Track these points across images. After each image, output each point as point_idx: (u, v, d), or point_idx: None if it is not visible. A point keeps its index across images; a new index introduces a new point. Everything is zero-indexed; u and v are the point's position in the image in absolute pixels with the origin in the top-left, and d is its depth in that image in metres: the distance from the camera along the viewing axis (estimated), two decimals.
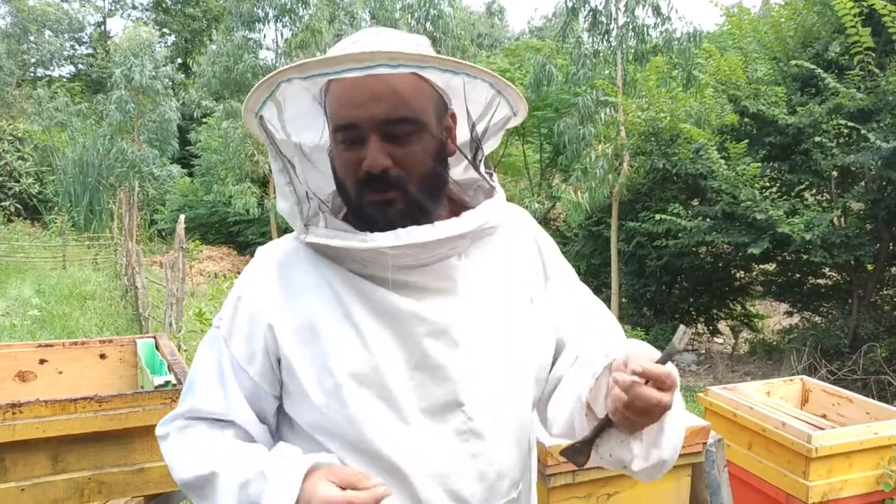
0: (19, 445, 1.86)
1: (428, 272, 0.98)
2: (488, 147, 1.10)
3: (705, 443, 2.30)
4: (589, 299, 1.21)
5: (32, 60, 28.85)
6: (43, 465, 1.90)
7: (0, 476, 1.86)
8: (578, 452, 0.96)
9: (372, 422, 0.95)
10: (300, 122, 1.03)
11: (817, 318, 7.95)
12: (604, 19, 8.60)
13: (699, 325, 9.45)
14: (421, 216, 0.97)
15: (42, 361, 2.46)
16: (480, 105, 1.05)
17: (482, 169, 1.08)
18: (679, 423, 1.02)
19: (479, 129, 1.06)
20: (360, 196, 0.97)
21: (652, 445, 0.97)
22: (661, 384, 0.90)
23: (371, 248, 0.94)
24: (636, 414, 0.91)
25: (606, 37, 8.68)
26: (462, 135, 1.07)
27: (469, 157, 1.07)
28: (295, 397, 1.01)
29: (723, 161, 6.72)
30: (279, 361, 1.02)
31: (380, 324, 0.97)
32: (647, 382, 0.90)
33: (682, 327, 0.95)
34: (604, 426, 0.96)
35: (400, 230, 0.94)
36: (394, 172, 0.95)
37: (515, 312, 1.06)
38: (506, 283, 1.06)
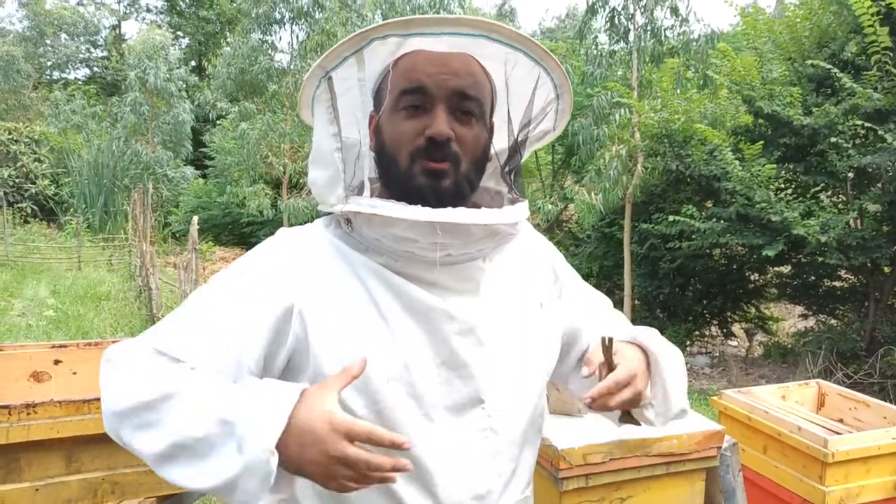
0: (34, 446, 1.87)
1: (455, 272, 0.99)
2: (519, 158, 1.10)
3: (720, 447, 2.28)
4: (598, 298, 1.30)
5: (49, 63, 29.17)
6: (57, 465, 1.91)
7: (15, 476, 1.87)
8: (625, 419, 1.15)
9: (398, 417, 0.95)
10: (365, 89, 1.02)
11: (833, 321, 7.87)
12: (623, 20, 8.57)
13: (713, 328, 9.39)
14: (465, 199, 1.00)
15: (56, 362, 2.48)
16: (535, 103, 1.06)
17: (514, 178, 1.09)
18: (675, 375, 1.12)
19: (522, 137, 1.07)
20: (412, 164, 0.96)
21: (664, 409, 1.11)
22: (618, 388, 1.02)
23: (423, 221, 0.93)
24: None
25: (624, 37, 8.66)
26: (499, 142, 1.09)
27: (503, 164, 1.09)
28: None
29: (737, 162, 6.67)
30: (296, 348, 0.97)
31: (410, 319, 0.97)
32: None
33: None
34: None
35: (449, 209, 0.94)
36: (454, 147, 0.96)
37: (529, 316, 1.08)
38: (521, 288, 1.08)
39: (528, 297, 1.09)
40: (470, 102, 0.97)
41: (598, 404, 1.01)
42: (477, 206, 1.03)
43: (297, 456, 0.82)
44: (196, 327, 0.96)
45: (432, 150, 0.95)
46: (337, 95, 0.99)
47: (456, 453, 0.98)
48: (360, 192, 0.99)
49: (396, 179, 0.98)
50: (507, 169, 1.08)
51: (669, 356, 1.11)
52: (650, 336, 1.13)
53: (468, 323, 0.99)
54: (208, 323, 0.95)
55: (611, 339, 1.02)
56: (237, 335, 0.94)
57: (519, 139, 1.06)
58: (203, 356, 0.93)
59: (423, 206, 0.93)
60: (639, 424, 1.13)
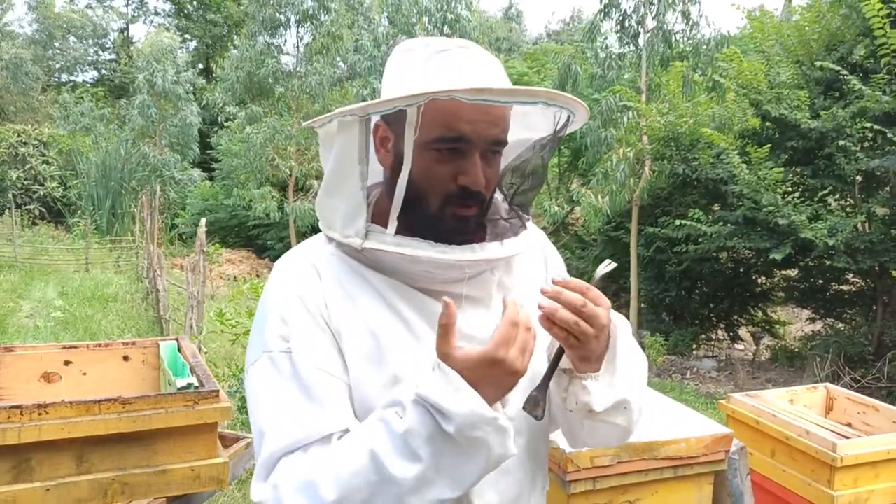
0: (45, 446, 1.88)
1: (469, 284, 1.01)
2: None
3: (728, 451, 2.28)
4: None
5: (57, 66, 29.35)
6: (67, 465, 1.92)
7: (26, 476, 1.88)
8: (535, 404, 0.95)
9: None
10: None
11: (841, 325, 7.84)
12: (633, 23, 8.57)
13: (719, 331, 9.36)
14: (484, 232, 1.05)
15: (67, 363, 2.49)
16: (551, 136, 1.07)
17: (525, 199, 1.11)
18: (633, 362, 1.05)
19: (536, 160, 1.08)
20: (443, 208, 0.98)
21: (608, 386, 1.00)
22: (582, 293, 0.95)
23: (450, 261, 0.96)
24: (575, 329, 0.93)
25: (634, 41, 8.66)
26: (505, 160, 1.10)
27: (517, 185, 1.11)
28: (358, 410, 0.98)
29: (744, 166, 6.66)
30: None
31: (432, 329, 0.97)
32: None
33: (607, 260, 1.03)
34: (558, 358, 0.98)
35: (475, 245, 0.98)
36: (485, 191, 0.99)
37: (535, 319, 1.08)
38: (526, 290, 1.10)
39: (532, 298, 1.09)
40: (497, 147, 1.00)
41: (545, 311, 0.93)
42: (493, 227, 1.07)
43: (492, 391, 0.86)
44: (301, 405, 0.93)
45: (466, 198, 0.97)
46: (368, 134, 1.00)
47: None
48: (374, 219, 1.01)
49: (423, 217, 0.99)
50: (526, 191, 1.10)
51: (629, 338, 1.09)
52: (617, 317, 1.11)
53: (487, 333, 0.99)
54: (318, 393, 0.94)
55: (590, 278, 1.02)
56: (337, 383, 0.96)
57: (535, 164, 1.08)
58: (338, 415, 0.93)
59: (447, 243, 0.96)
60: (538, 417, 0.95)
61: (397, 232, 0.98)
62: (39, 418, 1.87)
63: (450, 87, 0.88)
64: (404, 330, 0.98)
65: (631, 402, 1.02)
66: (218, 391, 2.07)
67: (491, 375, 0.84)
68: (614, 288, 10.31)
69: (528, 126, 1.08)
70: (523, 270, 1.13)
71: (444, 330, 0.85)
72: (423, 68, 0.97)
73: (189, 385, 2.15)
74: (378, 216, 1.03)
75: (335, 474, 0.86)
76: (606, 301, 0.97)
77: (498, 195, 1.08)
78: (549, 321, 0.93)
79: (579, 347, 0.96)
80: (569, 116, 1.02)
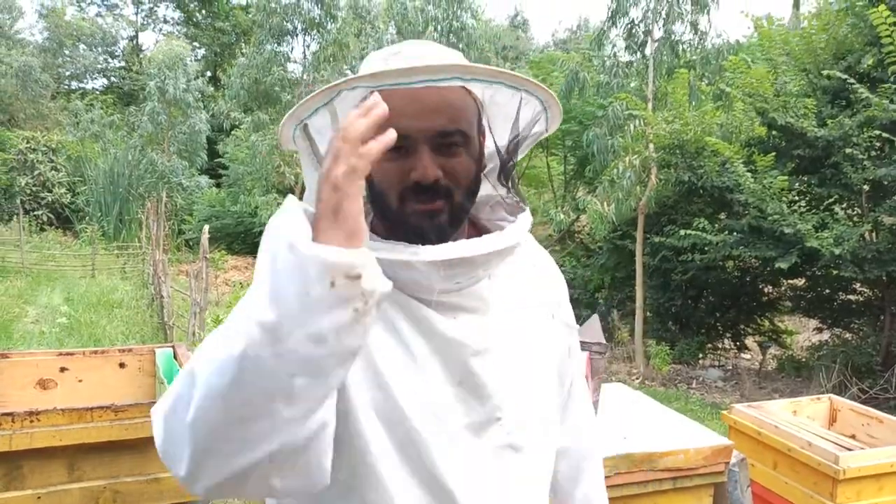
0: (36, 453, 1.87)
1: (463, 294, 0.98)
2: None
3: (728, 462, 2.24)
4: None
5: (67, 73, 29.58)
6: (59, 473, 1.91)
7: (18, 484, 1.88)
8: None
9: (422, 440, 0.94)
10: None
11: (848, 335, 7.77)
12: (641, 32, 8.57)
13: (726, 341, 9.29)
14: (462, 225, 0.99)
15: (63, 370, 2.49)
16: (521, 120, 1.04)
17: (514, 184, 1.08)
18: None
19: (514, 144, 1.05)
20: (402, 205, 0.95)
21: None
22: None
23: (422, 261, 0.91)
24: None
25: (641, 49, 8.65)
26: (489, 148, 1.06)
27: (502, 173, 1.07)
28: (342, 415, 0.93)
29: (749, 174, 6.62)
30: None
31: (427, 343, 0.96)
32: None
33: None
34: None
35: (449, 244, 0.92)
36: (443, 182, 0.94)
37: (539, 327, 1.07)
38: (528, 299, 1.07)
39: (536, 308, 1.08)
40: (453, 136, 0.95)
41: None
42: (476, 226, 1.03)
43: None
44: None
45: (421, 193, 0.93)
46: (316, 142, 0.98)
47: (478, 473, 0.97)
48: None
49: (390, 218, 0.97)
50: (502, 178, 1.07)
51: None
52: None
53: (482, 343, 0.98)
54: None
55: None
56: None
57: (510, 149, 1.04)
58: None
59: (423, 243, 0.92)
60: None
61: (372, 236, 0.94)
62: (31, 426, 1.86)
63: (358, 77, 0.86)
64: (393, 337, 0.95)
65: None
66: None
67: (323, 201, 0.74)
68: (620, 297, 10.27)
69: (503, 118, 1.03)
70: (527, 279, 1.08)
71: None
72: (363, 68, 0.94)
73: None
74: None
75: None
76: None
77: (474, 190, 1.01)
78: None
79: None
80: (544, 109, 1.00)
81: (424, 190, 0.93)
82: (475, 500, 0.96)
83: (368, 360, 0.93)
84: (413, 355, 0.95)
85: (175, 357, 2.53)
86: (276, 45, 15.02)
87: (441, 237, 0.94)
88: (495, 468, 0.98)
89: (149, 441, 1.98)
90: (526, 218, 1.03)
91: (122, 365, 2.56)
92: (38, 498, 1.88)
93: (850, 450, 2.50)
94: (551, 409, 1.08)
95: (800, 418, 2.88)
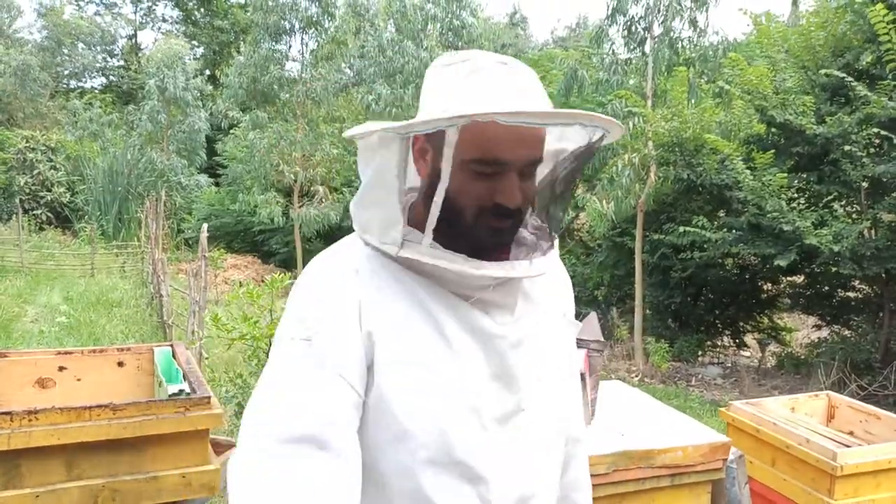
0: (35, 452, 1.87)
1: (497, 290, 1.05)
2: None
3: (726, 459, 2.25)
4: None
5: (66, 72, 29.55)
6: (58, 472, 1.91)
7: (16, 482, 1.88)
8: None
9: (459, 429, 1.01)
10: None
11: (847, 332, 7.77)
12: (640, 29, 8.56)
13: (725, 338, 9.29)
14: (515, 248, 1.10)
15: (61, 369, 2.48)
16: (588, 151, 1.10)
17: (566, 205, 1.17)
18: None
19: (574, 170, 1.12)
20: (477, 222, 1.01)
21: None
22: None
23: (483, 276, 1.00)
24: None
25: (641, 47, 8.65)
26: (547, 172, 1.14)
27: (560, 196, 1.15)
28: (379, 405, 1.00)
29: (748, 171, 6.62)
30: (368, 369, 1.00)
31: (467, 336, 1.02)
32: None
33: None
34: None
35: (510, 264, 1.03)
36: (520, 208, 1.03)
37: (557, 325, 1.17)
38: (547, 298, 1.16)
39: (553, 307, 1.17)
40: (535, 165, 1.03)
41: None
42: (524, 243, 1.11)
43: None
44: (303, 396, 0.95)
45: (499, 214, 1.01)
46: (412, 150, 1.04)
47: (506, 460, 1.04)
48: (409, 222, 1.04)
49: (459, 231, 1.02)
50: (558, 206, 1.14)
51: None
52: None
53: (516, 337, 1.06)
54: (327, 393, 0.96)
55: None
56: (344, 388, 0.97)
57: (567, 180, 1.12)
58: (338, 424, 0.95)
59: (482, 256, 1.00)
60: None
61: (433, 241, 1.01)
62: (30, 424, 1.86)
63: (489, 109, 0.90)
64: (437, 334, 1.01)
65: None
66: (209, 398, 2.06)
67: None
68: (619, 294, 10.27)
69: (563, 139, 1.10)
70: (545, 283, 1.16)
71: None
72: (463, 86, 0.98)
73: (180, 391, 2.13)
74: (414, 221, 1.05)
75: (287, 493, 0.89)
76: None
77: (531, 212, 1.11)
78: None
79: None
80: (603, 134, 1.04)
81: (504, 212, 1.00)
82: (504, 486, 1.03)
83: (414, 362, 1.00)
84: (455, 350, 1.01)
85: (174, 356, 2.53)
86: (273, 43, 14.99)
87: (501, 252, 1.05)
88: (519, 455, 1.06)
89: (147, 439, 1.99)
90: (556, 242, 1.13)
91: (120, 364, 2.56)
92: (37, 497, 1.88)
93: (848, 446, 2.50)
94: (564, 402, 1.17)
95: (798, 415, 2.88)
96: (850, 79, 6.19)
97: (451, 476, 1.00)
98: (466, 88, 0.98)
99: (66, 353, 2.53)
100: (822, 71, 6.63)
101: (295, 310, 1.03)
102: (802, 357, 8.14)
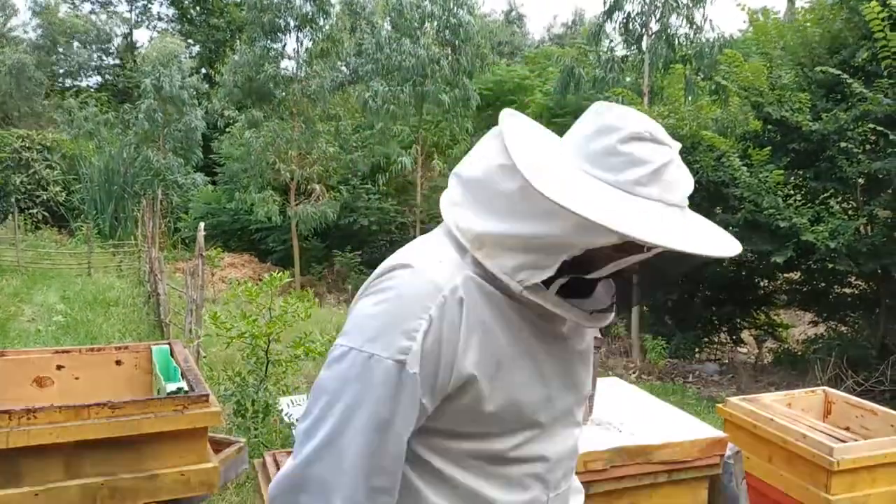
0: (34, 451, 1.87)
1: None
2: None
3: (722, 455, 2.26)
4: None
5: (61, 71, 29.46)
6: (57, 470, 1.92)
7: (15, 481, 1.88)
8: None
9: (544, 432, 1.11)
10: None
11: (843, 328, 7.79)
12: (637, 26, 8.57)
13: (722, 335, 9.31)
14: None
15: (59, 367, 2.49)
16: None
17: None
18: None
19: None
20: (602, 289, 1.14)
21: None
22: None
23: (592, 323, 1.10)
24: None
25: (638, 43, 8.65)
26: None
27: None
28: (465, 417, 1.03)
29: (745, 168, 6.63)
30: (456, 385, 1.00)
31: (550, 353, 1.10)
32: None
33: None
34: None
35: (609, 315, 1.12)
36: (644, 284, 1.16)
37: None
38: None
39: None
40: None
41: None
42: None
43: None
44: (387, 458, 0.97)
45: (626, 288, 1.12)
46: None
47: (563, 451, 1.15)
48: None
49: (581, 290, 1.09)
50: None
51: None
52: None
53: (582, 347, 1.17)
54: (399, 429, 0.97)
55: None
56: (425, 410, 1.00)
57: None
58: (397, 469, 1.00)
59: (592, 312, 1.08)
60: None
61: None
62: (28, 423, 1.86)
63: (682, 246, 0.93)
64: (524, 353, 1.05)
65: None
66: (208, 396, 2.06)
67: None
68: None
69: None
70: None
71: None
72: (647, 193, 0.97)
73: (179, 390, 2.14)
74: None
75: None
76: None
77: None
78: None
79: None
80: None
81: (629, 287, 1.12)
82: (559, 470, 1.14)
83: (504, 380, 1.03)
84: (541, 370, 1.08)
85: (171, 354, 2.53)
86: (268, 41, 14.96)
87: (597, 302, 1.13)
88: (570, 446, 1.17)
89: (145, 437, 1.99)
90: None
91: (118, 362, 2.56)
92: (36, 495, 1.88)
93: (844, 442, 2.51)
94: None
95: (794, 411, 2.89)
96: (845, 76, 6.20)
97: (523, 468, 1.09)
98: (651, 193, 0.97)
99: (64, 351, 2.53)
100: (818, 68, 6.64)
101: (387, 320, 0.97)
102: (799, 353, 8.17)
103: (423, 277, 0.99)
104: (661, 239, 0.92)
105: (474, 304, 1.00)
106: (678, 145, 1.04)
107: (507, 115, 1.05)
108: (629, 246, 0.98)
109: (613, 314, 1.13)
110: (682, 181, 1.03)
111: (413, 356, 0.95)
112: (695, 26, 8.40)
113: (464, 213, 1.04)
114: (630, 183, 0.96)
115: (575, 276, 1.03)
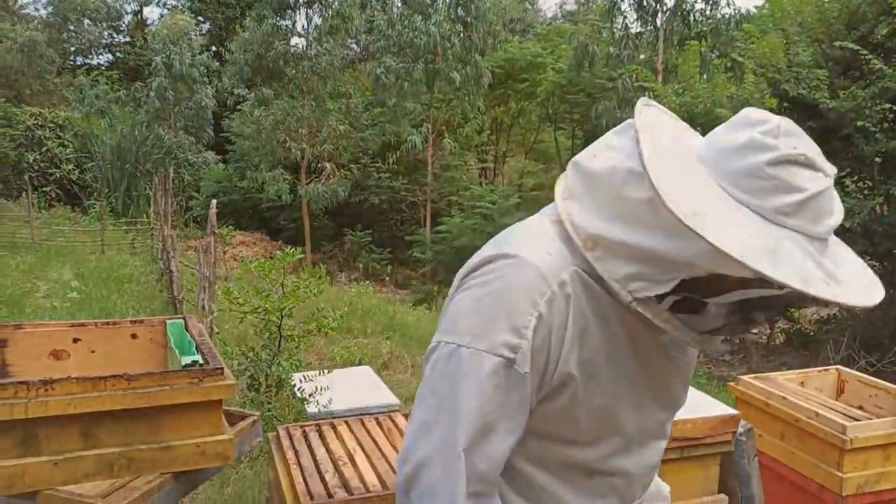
0: (52, 421, 1.90)
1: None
2: None
3: (735, 432, 2.26)
4: None
5: (72, 49, 29.42)
6: (74, 440, 1.94)
7: (34, 450, 1.90)
8: None
9: (632, 445, 1.09)
10: None
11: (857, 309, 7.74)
12: (652, 1, 8.46)
13: None
14: None
15: (76, 340, 2.51)
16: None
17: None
18: None
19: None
20: (717, 313, 1.04)
21: None
22: None
23: (702, 345, 1.03)
24: None
25: (652, 20, 8.55)
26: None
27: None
28: (557, 419, 1.01)
29: None
30: (556, 385, 0.98)
31: (647, 367, 1.05)
32: None
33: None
34: None
35: (718, 335, 1.05)
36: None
37: None
38: None
39: None
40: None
41: None
42: None
43: None
44: (503, 437, 0.95)
45: (748, 319, 1.05)
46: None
47: (646, 463, 1.12)
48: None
49: (694, 310, 1.01)
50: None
51: None
52: None
53: (683, 361, 1.11)
54: (510, 425, 0.95)
55: None
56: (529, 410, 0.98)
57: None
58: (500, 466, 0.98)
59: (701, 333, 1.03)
60: None
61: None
62: (46, 394, 1.88)
63: (830, 296, 0.86)
64: (615, 356, 1.00)
65: None
66: (222, 368, 2.08)
67: None
68: None
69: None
70: None
71: None
72: (792, 224, 0.88)
73: (194, 363, 2.15)
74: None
75: None
76: None
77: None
78: None
79: None
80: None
81: (749, 316, 1.03)
82: (637, 485, 1.13)
83: (597, 381, 1.00)
84: (632, 380, 1.04)
85: (186, 328, 2.55)
86: (278, 18, 14.87)
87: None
88: (653, 461, 1.15)
89: (161, 409, 2.01)
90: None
91: (134, 336, 2.58)
92: (55, 464, 1.91)
93: (857, 420, 2.50)
94: None
95: (807, 389, 2.88)
96: (864, 52, 6.10)
97: (603, 477, 1.08)
98: (794, 243, 0.87)
99: (79, 325, 2.55)
100: (837, 43, 6.54)
101: (493, 315, 0.93)
102: (811, 333, 8.14)
103: (529, 269, 0.94)
104: (802, 285, 0.83)
105: (580, 301, 0.95)
106: (834, 170, 0.93)
107: (643, 107, 0.97)
108: (761, 281, 0.88)
109: (725, 338, 1.06)
110: (834, 212, 0.93)
111: (523, 355, 0.91)
112: (711, 1, 8.28)
113: (579, 207, 0.97)
114: (773, 210, 0.87)
115: (690, 296, 0.96)
